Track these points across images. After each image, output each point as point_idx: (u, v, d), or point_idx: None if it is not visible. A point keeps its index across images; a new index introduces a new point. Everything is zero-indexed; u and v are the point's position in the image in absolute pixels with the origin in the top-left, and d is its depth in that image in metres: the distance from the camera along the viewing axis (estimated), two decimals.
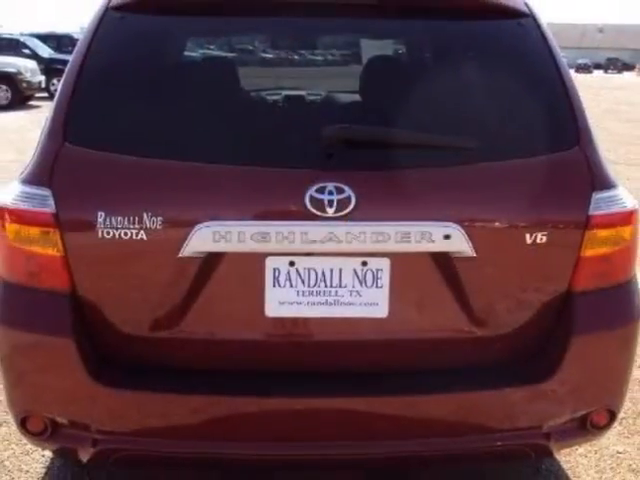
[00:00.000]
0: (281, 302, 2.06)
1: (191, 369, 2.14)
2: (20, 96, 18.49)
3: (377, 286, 2.06)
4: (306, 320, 2.10)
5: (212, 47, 3.72)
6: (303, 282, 2.05)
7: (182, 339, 2.11)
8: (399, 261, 2.05)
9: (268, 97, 3.53)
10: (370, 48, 3.45)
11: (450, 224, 2.01)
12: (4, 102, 18.22)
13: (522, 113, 2.21)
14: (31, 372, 2.14)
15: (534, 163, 2.13)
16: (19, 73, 18.36)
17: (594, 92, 28.93)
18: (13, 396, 2.18)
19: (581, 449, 2.98)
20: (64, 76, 2.16)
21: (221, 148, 2.09)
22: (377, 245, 2.00)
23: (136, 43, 2.25)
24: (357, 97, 2.83)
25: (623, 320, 2.22)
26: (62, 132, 2.07)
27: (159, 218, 1.99)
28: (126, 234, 1.99)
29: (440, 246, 2.02)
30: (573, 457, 2.95)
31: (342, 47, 4.63)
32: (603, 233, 2.12)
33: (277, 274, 2.04)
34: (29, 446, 2.88)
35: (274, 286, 2.05)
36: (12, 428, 2.88)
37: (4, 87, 18.23)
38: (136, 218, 1.98)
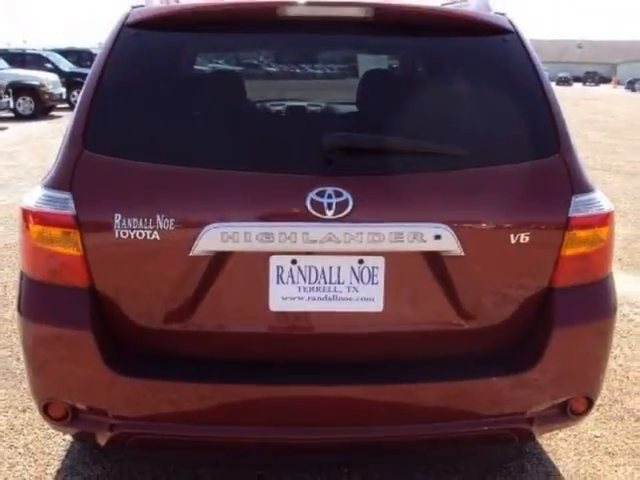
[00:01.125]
0: (284, 297, 2.06)
1: (201, 359, 2.14)
2: (43, 107, 18.53)
3: (373, 283, 2.06)
4: (307, 314, 2.10)
5: (220, 61, 3.72)
6: (304, 279, 2.05)
7: (192, 331, 2.11)
8: (393, 259, 2.04)
9: (272, 108, 3.52)
10: (366, 62, 3.45)
11: (440, 225, 2.01)
12: (28, 112, 18.26)
13: (507, 122, 2.21)
14: (53, 362, 2.14)
15: (518, 169, 2.13)
16: (42, 85, 18.40)
17: (573, 103, 28.93)
18: (36, 384, 2.18)
19: (561, 433, 2.98)
20: (83, 88, 2.16)
21: (229, 155, 2.09)
22: (373, 245, 2.00)
23: (150, 58, 2.25)
24: (354, 108, 2.83)
25: (600, 314, 2.22)
26: (82, 140, 2.07)
27: (171, 220, 1.99)
28: (141, 234, 1.99)
29: (431, 246, 2.02)
30: (554, 441, 2.95)
31: (340, 62, 4.62)
32: (582, 233, 2.12)
33: (280, 271, 2.04)
34: (51, 431, 2.88)
35: (277, 283, 2.04)
36: (35, 414, 2.88)
37: (28, 98, 18.27)
38: (150, 220, 1.98)
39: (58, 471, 2.67)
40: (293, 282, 2.05)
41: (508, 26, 2.32)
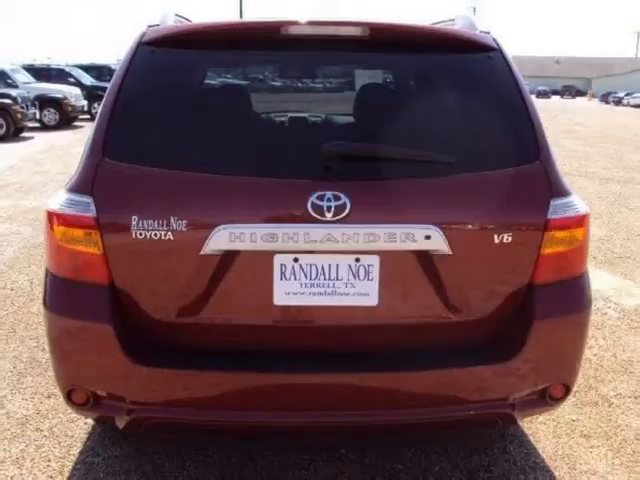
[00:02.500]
0: (287, 293, 2.06)
1: (211, 349, 2.13)
2: (66, 118, 18.54)
3: (368, 279, 2.05)
4: (308, 308, 2.10)
5: (229, 76, 3.72)
6: (305, 276, 2.05)
7: (203, 324, 2.11)
8: (387, 258, 2.04)
9: (276, 118, 3.52)
10: (362, 77, 3.45)
11: (430, 226, 2.01)
12: (53, 123, 18.27)
13: (491, 132, 2.20)
14: (76, 352, 2.14)
15: (501, 175, 2.12)
16: (65, 98, 18.41)
17: (552, 114, 28.91)
18: (60, 372, 2.18)
19: (541, 418, 2.98)
20: (103, 101, 2.16)
21: (236, 162, 2.09)
22: (368, 244, 2.00)
23: (164, 73, 2.25)
24: (351, 118, 2.83)
25: (576, 308, 2.22)
26: (102, 148, 2.07)
27: (184, 221, 1.99)
28: (156, 235, 1.99)
29: (422, 245, 2.02)
30: (534, 424, 2.95)
31: (339, 76, 4.62)
32: (560, 234, 2.12)
33: (283, 269, 2.04)
34: (74, 415, 2.89)
35: (281, 279, 2.04)
36: (59, 400, 2.89)
37: (53, 110, 18.28)
38: (164, 222, 1.98)
39: (80, 452, 2.68)
40: (295, 279, 2.05)
41: (492, 44, 2.32)
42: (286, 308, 2.09)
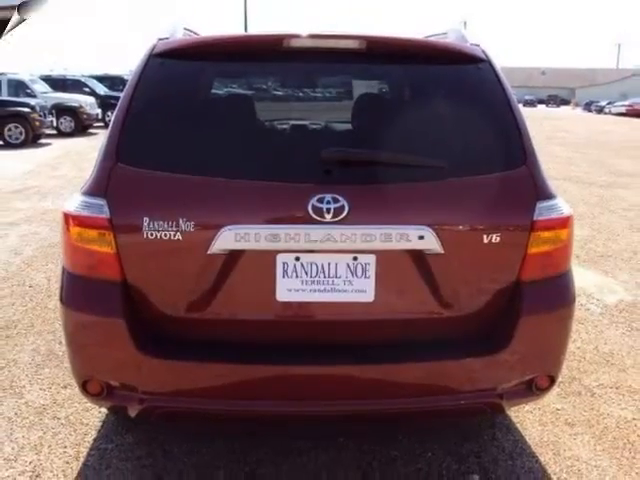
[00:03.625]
0: (289, 289, 2.06)
1: (217, 342, 2.13)
2: (81, 125, 18.56)
3: (365, 277, 2.06)
4: (309, 304, 2.10)
5: (234, 86, 3.72)
6: (306, 273, 2.05)
7: (210, 319, 2.11)
8: (383, 257, 2.04)
9: (278, 126, 3.52)
10: (360, 87, 3.45)
11: (423, 227, 2.01)
12: (69, 130, 18.29)
13: (481, 138, 2.20)
14: (90, 345, 2.14)
15: (490, 179, 2.13)
16: (80, 107, 18.41)
17: (538, 122, 28.89)
18: (76, 364, 2.18)
19: (527, 407, 2.98)
20: (116, 109, 2.16)
21: (241, 166, 2.09)
22: (365, 244, 2.00)
23: (173, 83, 2.25)
24: (349, 126, 2.83)
25: (561, 304, 2.22)
26: (115, 154, 2.07)
27: (192, 222, 1.99)
28: (166, 235, 1.99)
29: (415, 245, 2.02)
30: (521, 413, 2.95)
31: (337, 86, 4.62)
32: (545, 235, 2.12)
33: (286, 267, 2.04)
34: (88, 404, 2.88)
35: (283, 277, 2.04)
36: (75, 390, 2.88)
37: (69, 118, 18.30)
38: (174, 222, 1.98)
39: (95, 439, 2.68)
40: (297, 276, 2.05)
41: (482, 55, 2.32)
42: (288, 304, 2.09)
